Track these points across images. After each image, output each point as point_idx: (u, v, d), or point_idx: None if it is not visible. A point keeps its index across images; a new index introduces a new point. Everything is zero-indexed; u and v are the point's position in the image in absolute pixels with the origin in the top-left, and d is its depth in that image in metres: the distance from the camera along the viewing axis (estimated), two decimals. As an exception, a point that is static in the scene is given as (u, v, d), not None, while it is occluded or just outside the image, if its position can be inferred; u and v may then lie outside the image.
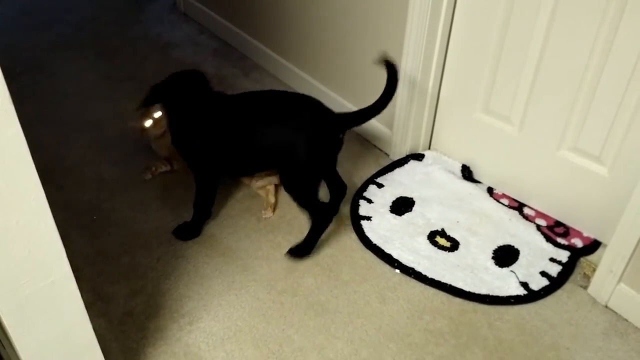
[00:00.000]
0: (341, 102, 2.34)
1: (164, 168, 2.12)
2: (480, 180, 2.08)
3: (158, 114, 2.02)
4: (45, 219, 1.04)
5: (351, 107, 2.30)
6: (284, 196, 2.02)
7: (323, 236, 1.87)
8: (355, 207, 1.98)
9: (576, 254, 1.83)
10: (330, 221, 1.85)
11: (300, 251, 1.83)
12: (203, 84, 1.78)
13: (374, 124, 2.23)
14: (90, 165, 2.16)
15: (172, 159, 2.12)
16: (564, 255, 1.82)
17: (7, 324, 1.11)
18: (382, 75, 2.06)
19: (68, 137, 2.27)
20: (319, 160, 1.76)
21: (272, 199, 2.00)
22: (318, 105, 1.77)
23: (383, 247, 1.84)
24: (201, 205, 1.89)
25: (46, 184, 1.01)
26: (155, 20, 3.03)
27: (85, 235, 1.89)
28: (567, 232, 1.89)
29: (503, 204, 1.98)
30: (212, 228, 1.92)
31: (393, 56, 1.99)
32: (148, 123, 2.02)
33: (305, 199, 1.79)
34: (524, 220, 1.92)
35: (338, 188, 1.94)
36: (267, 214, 1.97)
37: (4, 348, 1.30)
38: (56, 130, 2.31)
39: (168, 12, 3.10)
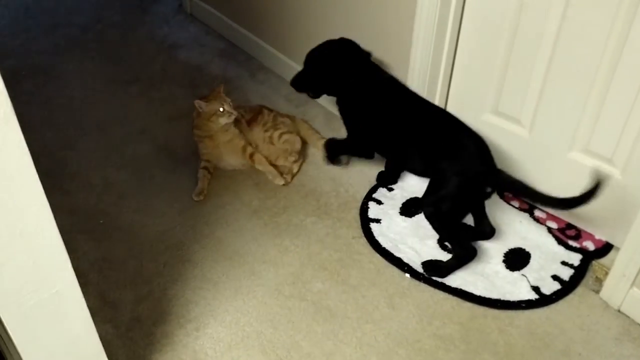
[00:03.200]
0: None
1: (207, 180, 2.08)
2: (490, 182, 2.05)
3: (228, 107, 2.01)
4: (49, 228, 1.03)
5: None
6: (290, 200, 2.01)
7: (330, 240, 1.86)
8: (364, 209, 1.96)
9: (588, 257, 1.80)
10: (470, 258, 1.77)
11: (437, 271, 1.77)
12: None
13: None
14: (96, 169, 2.15)
15: (213, 163, 2.10)
16: (575, 259, 1.80)
17: (12, 335, 1.10)
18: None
19: (73, 141, 2.26)
20: (466, 195, 1.76)
21: (295, 168, 2.10)
22: (486, 148, 1.77)
23: (392, 251, 1.82)
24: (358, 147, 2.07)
25: (51, 188, 1.00)
26: (161, 22, 3.02)
27: (91, 240, 1.87)
28: (578, 234, 1.87)
29: (513, 206, 1.96)
30: (218, 231, 1.90)
31: (401, 57, 1.99)
32: (222, 108, 1.99)
33: (446, 231, 1.77)
34: (535, 223, 1.90)
35: (484, 229, 1.86)
36: (281, 181, 2.07)
37: (12, 357, 1.29)
38: (61, 133, 2.30)
39: (174, 13, 3.09)
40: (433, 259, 1.80)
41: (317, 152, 2.19)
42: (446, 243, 1.84)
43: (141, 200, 2.02)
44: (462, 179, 1.71)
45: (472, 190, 1.76)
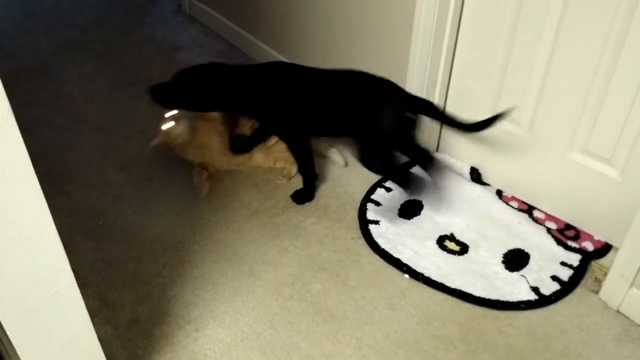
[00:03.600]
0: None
1: (204, 173, 2.08)
2: (489, 183, 2.05)
3: (172, 113, 2.02)
4: (48, 229, 1.03)
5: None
6: (289, 201, 2.01)
7: (329, 240, 1.86)
8: (363, 211, 1.96)
9: (587, 258, 1.80)
10: (419, 188, 1.95)
11: (303, 198, 2.02)
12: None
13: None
14: (96, 170, 2.15)
15: (206, 164, 2.10)
16: (574, 259, 1.79)
17: (11, 335, 1.10)
18: (388, 75, 2.04)
19: (73, 142, 2.26)
20: (395, 132, 1.88)
21: (293, 170, 2.10)
22: (393, 84, 1.88)
23: (391, 252, 1.82)
24: (305, 168, 2.03)
25: (51, 189, 1.00)
26: (160, 23, 3.02)
27: (90, 240, 1.87)
28: (577, 235, 1.87)
29: (512, 207, 1.96)
30: (217, 233, 1.90)
31: (401, 56, 1.99)
32: (168, 125, 2.02)
33: (381, 167, 1.94)
34: (534, 224, 1.90)
35: (422, 154, 2.01)
36: (283, 180, 2.09)
37: (10, 358, 1.29)
38: (61, 134, 2.30)
39: (173, 15, 3.09)
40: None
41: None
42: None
43: (140, 201, 2.02)
44: (386, 120, 1.83)
45: (398, 126, 1.88)
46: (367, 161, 1.90)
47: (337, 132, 2.04)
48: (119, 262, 1.81)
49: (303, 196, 2.03)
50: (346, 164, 2.15)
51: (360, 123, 1.84)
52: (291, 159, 2.08)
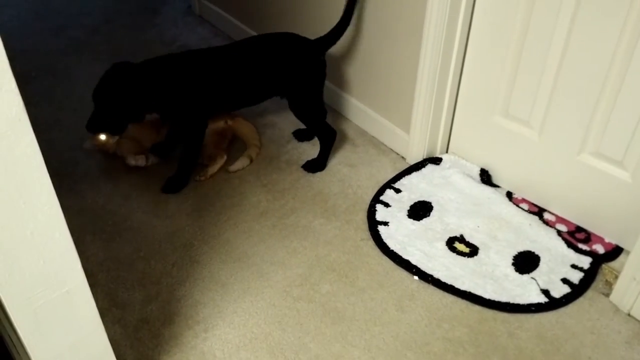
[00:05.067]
0: (355, 104, 2.32)
1: (141, 162, 2.14)
2: (499, 185, 2.05)
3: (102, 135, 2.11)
4: (59, 228, 1.03)
5: (368, 110, 2.29)
6: (298, 201, 2.01)
7: (338, 241, 1.86)
8: (372, 212, 1.96)
9: (598, 260, 1.79)
10: (334, 139, 2.15)
11: (315, 167, 2.14)
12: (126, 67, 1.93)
13: (390, 127, 2.20)
14: (106, 169, 2.15)
15: (146, 153, 2.16)
16: (585, 262, 1.78)
17: (21, 334, 1.10)
18: (398, 76, 2.04)
19: (82, 142, 2.26)
20: (320, 80, 2.06)
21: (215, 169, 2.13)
22: (296, 36, 2.03)
23: (401, 253, 1.81)
24: (192, 155, 2.05)
25: (60, 188, 1.00)
26: (170, 23, 3.03)
27: (100, 240, 1.88)
28: (588, 237, 1.86)
29: (523, 209, 1.95)
30: (226, 233, 1.90)
31: (411, 57, 1.98)
32: (102, 136, 2.09)
33: (313, 120, 2.11)
34: (544, 226, 1.89)
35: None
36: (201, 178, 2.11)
37: (20, 357, 1.29)
38: (71, 134, 2.31)
39: (183, 15, 3.10)
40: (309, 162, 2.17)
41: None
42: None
43: (150, 201, 2.03)
44: (313, 72, 2.03)
45: (322, 73, 2.06)
46: (309, 114, 2.09)
47: (263, 97, 2.11)
48: (128, 261, 1.81)
49: (176, 184, 2.06)
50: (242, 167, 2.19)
51: (287, 79, 2.00)
52: (217, 156, 2.13)
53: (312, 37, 2.03)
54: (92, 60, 2.76)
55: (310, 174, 2.13)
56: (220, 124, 2.17)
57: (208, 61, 1.95)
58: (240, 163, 2.15)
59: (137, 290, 1.73)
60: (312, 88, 2.06)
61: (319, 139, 2.15)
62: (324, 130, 2.12)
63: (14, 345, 1.30)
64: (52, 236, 1.02)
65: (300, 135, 2.28)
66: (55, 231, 1.02)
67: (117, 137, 2.10)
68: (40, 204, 0.98)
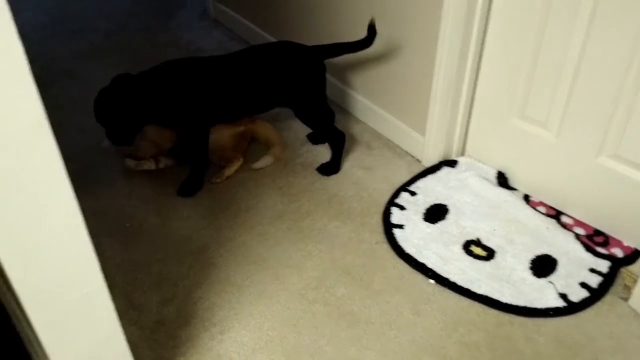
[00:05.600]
0: (370, 107, 2.32)
1: (150, 166, 2.16)
2: (516, 188, 2.04)
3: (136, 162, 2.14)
4: (79, 230, 1.04)
5: (383, 112, 2.28)
6: (313, 204, 2.01)
7: (353, 244, 1.86)
8: (387, 215, 1.96)
9: (617, 264, 1.77)
10: (344, 141, 2.14)
11: (330, 170, 2.14)
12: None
13: (405, 130, 2.20)
14: (123, 173, 2.17)
15: (158, 156, 2.17)
16: (604, 266, 1.77)
17: (41, 335, 1.11)
18: (413, 78, 2.04)
19: (99, 144, 2.28)
20: (317, 85, 2.05)
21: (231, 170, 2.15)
22: (293, 43, 2.03)
23: (416, 257, 1.80)
24: (202, 157, 2.05)
25: (78, 191, 1.00)
26: (185, 27, 3.05)
27: (117, 243, 1.89)
28: (606, 241, 1.84)
29: (540, 212, 1.93)
30: (242, 235, 1.91)
31: (427, 59, 1.98)
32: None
33: (321, 124, 2.11)
34: (562, 229, 1.87)
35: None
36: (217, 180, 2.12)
37: (39, 358, 1.31)
38: (87, 137, 2.33)
39: (198, 19, 3.11)
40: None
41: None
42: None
43: (166, 203, 2.04)
44: (313, 78, 2.02)
45: (318, 76, 2.04)
46: (315, 119, 2.10)
47: (264, 107, 2.09)
48: (145, 263, 1.82)
49: (190, 187, 2.07)
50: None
51: (286, 88, 2.00)
52: (233, 158, 2.14)
53: (328, 41, 2.03)
54: (109, 64, 2.78)
55: (326, 177, 2.13)
56: (239, 128, 2.18)
57: (205, 70, 1.95)
58: (264, 161, 2.16)
59: (154, 292, 1.74)
60: (312, 94, 2.05)
61: (329, 142, 2.16)
62: (332, 133, 2.12)
63: (33, 347, 1.32)
64: (72, 239, 1.03)
65: (315, 138, 2.29)
66: (74, 234, 1.03)
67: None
68: (60, 207, 0.98)
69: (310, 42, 2.04)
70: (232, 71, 1.96)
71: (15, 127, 0.87)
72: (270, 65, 1.97)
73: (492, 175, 2.06)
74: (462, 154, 2.17)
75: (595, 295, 1.69)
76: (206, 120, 2.02)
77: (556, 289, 1.70)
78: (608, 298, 1.70)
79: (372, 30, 1.98)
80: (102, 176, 2.15)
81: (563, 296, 1.68)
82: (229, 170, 2.13)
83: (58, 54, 2.87)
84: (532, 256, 1.79)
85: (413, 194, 2.04)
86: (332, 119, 2.18)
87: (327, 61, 2.03)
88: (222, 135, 2.14)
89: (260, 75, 1.97)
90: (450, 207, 1.97)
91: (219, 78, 1.94)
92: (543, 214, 1.93)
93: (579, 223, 1.90)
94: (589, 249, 1.81)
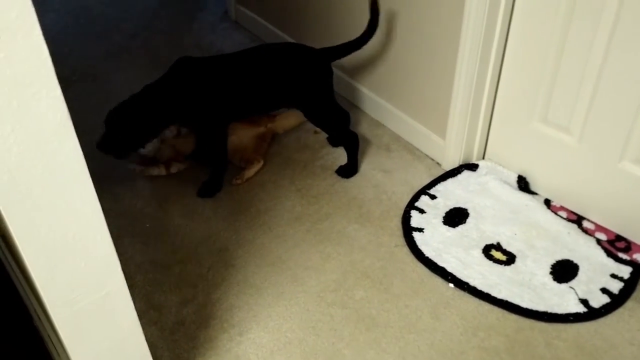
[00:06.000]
0: (390, 109, 2.32)
1: (160, 172, 2.17)
2: (537, 192, 2.02)
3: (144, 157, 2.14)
4: (101, 231, 1.05)
5: (403, 115, 2.28)
6: (332, 206, 2.01)
7: (372, 247, 1.85)
8: (407, 218, 1.95)
9: (638, 270, 1.75)
10: (358, 142, 2.15)
11: (348, 172, 2.14)
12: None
13: (425, 133, 2.19)
14: (143, 173, 2.19)
15: (172, 161, 2.18)
16: (625, 271, 1.75)
17: (62, 335, 1.13)
18: (434, 81, 2.03)
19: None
20: (325, 87, 2.06)
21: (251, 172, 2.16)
22: (301, 45, 2.06)
23: (436, 260, 1.80)
24: (220, 157, 2.06)
25: (100, 192, 1.02)
26: (207, 29, 3.07)
27: (137, 243, 1.91)
28: (628, 246, 1.82)
29: (561, 217, 1.91)
30: (261, 237, 1.91)
31: (448, 61, 1.97)
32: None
33: (333, 126, 2.12)
34: (583, 234, 1.85)
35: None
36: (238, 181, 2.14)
37: (60, 357, 1.32)
38: (110, 138, 2.35)
39: (219, 21, 3.13)
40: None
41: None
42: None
43: (187, 204, 2.05)
44: (319, 80, 2.03)
45: (325, 79, 2.05)
46: (325, 121, 2.10)
47: (271, 106, 2.12)
48: (165, 264, 1.84)
49: (210, 188, 2.08)
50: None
51: (294, 89, 2.01)
52: (254, 160, 2.16)
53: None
54: (131, 65, 2.81)
55: (345, 179, 2.13)
56: (260, 129, 2.19)
57: (217, 67, 1.97)
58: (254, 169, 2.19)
59: (174, 293, 1.75)
60: (319, 96, 2.05)
61: (343, 145, 2.16)
62: (345, 135, 2.13)
63: (54, 346, 1.33)
64: (94, 239, 1.04)
65: (334, 141, 2.29)
66: (96, 234, 1.04)
67: (154, 146, 2.12)
68: (83, 207, 1.00)
69: (329, 44, 2.04)
70: (243, 68, 1.98)
71: (40, 128, 0.88)
72: (278, 65, 1.98)
73: (513, 179, 2.04)
74: (483, 157, 2.16)
75: (617, 301, 1.67)
76: (221, 117, 2.02)
77: (577, 295, 1.68)
78: (629, 304, 1.67)
79: (374, 13, 1.99)
80: (122, 176, 2.17)
81: (584, 302, 1.66)
82: (250, 172, 2.14)
83: (81, 55, 2.90)
84: (552, 261, 1.78)
85: (433, 197, 2.03)
86: (345, 121, 2.18)
87: (347, 64, 2.04)
88: (242, 137, 2.15)
89: (268, 74, 1.98)
90: (470, 211, 1.96)
91: (230, 74, 1.96)
92: (564, 218, 1.91)
93: (601, 228, 1.88)
94: (610, 254, 1.79)
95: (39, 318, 1.43)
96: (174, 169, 2.17)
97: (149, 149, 2.11)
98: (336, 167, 2.17)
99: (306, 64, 2.00)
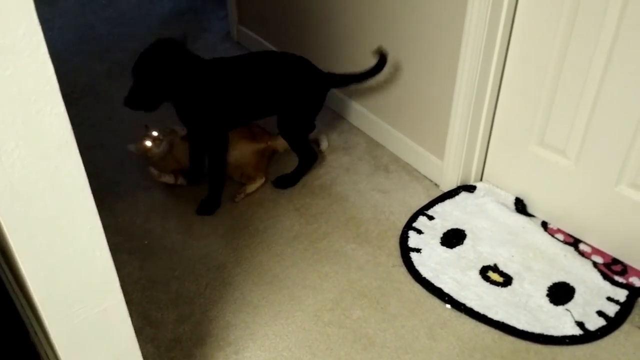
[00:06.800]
0: (389, 130, 2.33)
1: (169, 180, 2.18)
2: (534, 214, 2.03)
3: (156, 133, 2.11)
4: (100, 247, 1.05)
5: (401, 136, 2.30)
6: (330, 226, 2.02)
7: (370, 267, 1.86)
8: (404, 238, 1.96)
9: (634, 294, 1.75)
10: (314, 162, 2.24)
11: (286, 183, 2.20)
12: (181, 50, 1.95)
13: (424, 154, 2.21)
14: (144, 190, 2.20)
15: (178, 172, 2.19)
16: (621, 295, 1.75)
17: (59, 350, 1.13)
18: (433, 103, 2.05)
19: (121, 162, 2.32)
20: (314, 108, 2.14)
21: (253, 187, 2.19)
22: (309, 62, 2.10)
23: (433, 281, 1.80)
24: (219, 174, 2.07)
25: (99, 207, 1.02)
26: (209, 49, 3.09)
27: (135, 259, 1.91)
28: (624, 270, 1.82)
29: (558, 240, 1.92)
30: (259, 255, 1.92)
31: (447, 83, 1.99)
32: (149, 143, 2.10)
33: (299, 140, 2.17)
34: (579, 257, 1.86)
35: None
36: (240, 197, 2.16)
37: (56, 372, 1.32)
38: (111, 155, 2.37)
39: (221, 41, 3.16)
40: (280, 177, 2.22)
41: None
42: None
43: (185, 222, 2.06)
44: (309, 97, 2.10)
45: (319, 101, 2.14)
46: (294, 133, 2.14)
47: (264, 113, 2.12)
48: (163, 281, 1.84)
49: (209, 205, 2.10)
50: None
51: (286, 99, 2.06)
52: (256, 176, 2.18)
53: (346, 65, 2.05)
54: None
55: (344, 199, 2.14)
56: (261, 145, 2.20)
57: (228, 69, 1.99)
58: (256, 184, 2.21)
59: (171, 310, 1.75)
60: (306, 113, 2.14)
61: (300, 158, 2.21)
62: (306, 151, 2.20)
63: (51, 361, 1.33)
64: (93, 255, 1.05)
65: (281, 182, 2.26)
66: (96, 250, 1.05)
67: (161, 147, 2.12)
68: (83, 223, 1.00)
69: (330, 65, 2.07)
70: (246, 71, 2.01)
71: (43, 144, 0.90)
72: (281, 72, 2.04)
73: (510, 201, 2.06)
74: (481, 179, 2.17)
75: (612, 324, 1.67)
76: (223, 122, 2.03)
77: (573, 317, 1.69)
78: (625, 327, 1.68)
79: (382, 59, 2.10)
80: (122, 193, 2.18)
81: (580, 324, 1.67)
82: (251, 187, 2.15)
83: (84, 73, 2.93)
84: (549, 283, 1.78)
85: (431, 218, 2.04)
86: (308, 134, 2.25)
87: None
88: (243, 152, 2.16)
89: (270, 79, 2.03)
90: (467, 232, 1.97)
91: (235, 77, 1.99)
92: (561, 241, 1.92)
93: (597, 251, 1.88)
94: (606, 277, 1.79)
95: (36, 333, 1.43)
96: (180, 181, 2.18)
97: (161, 149, 2.11)
98: (336, 187, 2.19)
99: (306, 79, 2.07)
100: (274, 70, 2.03)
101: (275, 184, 2.20)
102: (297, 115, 2.12)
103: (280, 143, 2.28)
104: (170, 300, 1.78)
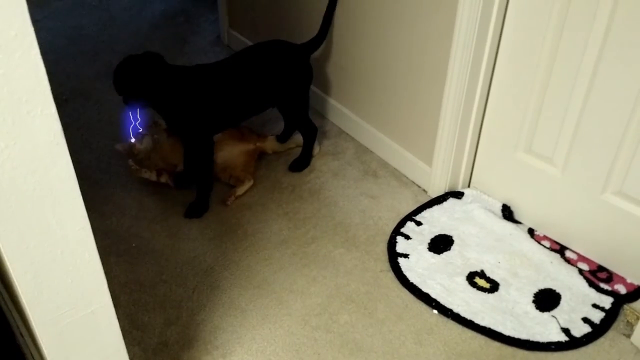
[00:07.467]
0: (378, 136, 2.35)
1: (150, 176, 2.18)
2: (521, 221, 2.05)
3: (136, 141, 2.15)
4: (89, 249, 1.05)
5: (390, 142, 2.31)
6: (319, 230, 2.02)
7: (358, 272, 1.87)
8: (392, 243, 1.97)
9: (619, 301, 1.77)
10: (316, 134, 2.30)
11: (301, 165, 2.30)
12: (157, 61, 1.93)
13: (412, 160, 2.22)
14: (132, 192, 2.19)
15: (164, 171, 2.19)
16: (607, 302, 1.77)
17: (46, 353, 1.12)
18: (421, 109, 2.06)
19: (111, 164, 2.31)
20: (305, 78, 2.18)
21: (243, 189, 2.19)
22: (284, 42, 2.14)
23: (420, 286, 1.81)
24: (206, 177, 2.08)
25: (89, 210, 1.02)
26: (199, 53, 3.10)
27: (123, 262, 1.91)
28: (610, 277, 1.84)
29: (544, 246, 1.94)
30: (247, 259, 1.92)
31: (436, 89, 2.01)
32: (134, 142, 2.13)
33: (303, 116, 2.23)
34: (565, 264, 1.88)
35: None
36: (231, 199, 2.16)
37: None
38: (99, 156, 2.36)
39: (211, 45, 3.17)
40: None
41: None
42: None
43: (173, 225, 2.06)
44: (296, 71, 2.14)
45: (307, 70, 2.18)
46: (296, 109, 2.20)
47: (262, 107, 2.17)
48: (150, 284, 1.84)
49: (197, 208, 2.10)
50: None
51: (280, 84, 2.10)
52: (244, 178, 2.18)
53: (332, 74, 2.06)
54: (122, 86, 2.82)
55: (333, 204, 2.14)
56: (249, 146, 2.21)
57: (210, 75, 2.00)
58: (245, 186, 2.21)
59: (158, 313, 1.75)
60: (301, 89, 2.18)
61: (303, 135, 2.28)
62: (308, 126, 2.26)
63: (37, 363, 1.32)
64: (82, 257, 1.05)
65: (284, 137, 2.37)
66: (84, 252, 1.05)
67: (144, 142, 2.13)
68: (72, 225, 1.00)
69: (324, 68, 2.07)
70: (231, 72, 2.02)
71: (34, 145, 0.90)
72: (265, 62, 2.06)
73: (498, 208, 2.07)
74: (468, 185, 2.19)
75: (598, 331, 1.69)
76: (208, 127, 2.04)
77: (559, 324, 1.70)
78: (610, 334, 1.69)
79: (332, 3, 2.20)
80: (110, 195, 2.18)
81: (565, 331, 1.68)
82: (240, 190, 2.15)
83: (74, 74, 2.92)
84: (535, 290, 1.80)
85: (419, 223, 2.05)
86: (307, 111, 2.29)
87: (337, 91, 2.06)
88: (231, 153, 2.16)
89: (257, 73, 2.05)
90: (455, 238, 1.98)
91: (218, 83, 1.99)
92: (547, 248, 1.94)
93: (583, 258, 1.90)
94: (592, 284, 1.81)
95: (22, 335, 1.42)
96: (163, 179, 2.18)
97: (144, 144, 2.12)
98: (324, 192, 2.19)
99: (290, 58, 2.12)
100: (255, 63, 2.05)
101: (291, 169, 2.29)
102: (292, 93, 2.16)
103: (269, 144, 2.29)
104: (158, 303, 1.78)
